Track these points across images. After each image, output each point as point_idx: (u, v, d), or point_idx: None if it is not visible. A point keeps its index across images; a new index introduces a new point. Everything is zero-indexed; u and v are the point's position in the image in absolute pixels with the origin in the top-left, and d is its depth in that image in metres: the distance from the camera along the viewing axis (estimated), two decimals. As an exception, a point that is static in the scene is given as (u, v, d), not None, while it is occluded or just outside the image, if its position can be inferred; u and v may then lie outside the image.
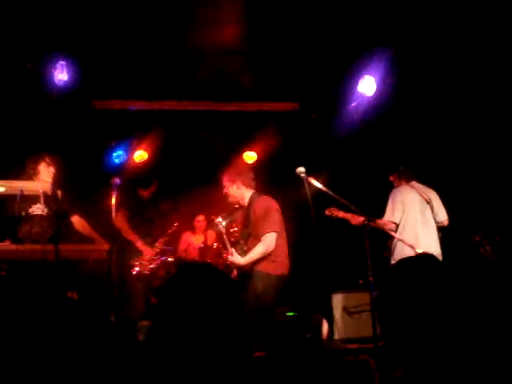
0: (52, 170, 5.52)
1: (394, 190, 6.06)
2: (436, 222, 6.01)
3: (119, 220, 6.42)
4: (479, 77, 6.68)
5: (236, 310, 2.01)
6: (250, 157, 8.69)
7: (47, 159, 5.55)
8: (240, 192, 5.66)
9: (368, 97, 6.92)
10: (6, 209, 5.19)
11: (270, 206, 5.52)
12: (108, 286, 5.35)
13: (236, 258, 5.32)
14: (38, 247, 4.81)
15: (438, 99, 7.06)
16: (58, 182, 5.30)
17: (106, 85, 7.41)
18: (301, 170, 4.99)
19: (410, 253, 5.44)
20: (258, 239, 5.39)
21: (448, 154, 7.27)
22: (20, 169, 5.46)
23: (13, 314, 4.58)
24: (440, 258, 5.70)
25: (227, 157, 8.39)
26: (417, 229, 5.89)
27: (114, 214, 5.15)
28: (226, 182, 5.70)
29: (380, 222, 5.85)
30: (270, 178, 8.35)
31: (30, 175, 5.42)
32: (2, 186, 4.68)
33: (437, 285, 2.01)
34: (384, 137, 7.37)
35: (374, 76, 6.80)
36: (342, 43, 6.51)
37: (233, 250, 5.35)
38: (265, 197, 5.62)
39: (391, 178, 6.26)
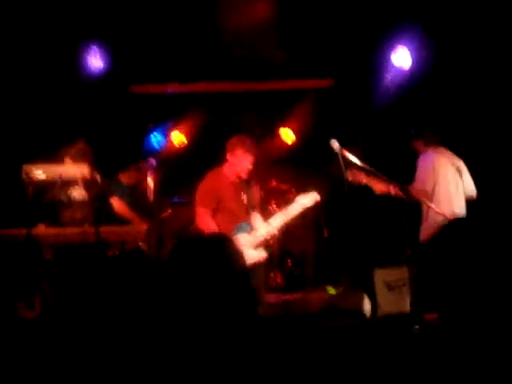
0: (90, 154, 5.60)
1: (423, 157, 5.68)
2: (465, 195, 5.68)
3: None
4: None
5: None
6: (287, 135, 8.65)
7: (85, 145, 5.63)
8: None
9: (403, 69, 6.81)
10: (46, 194, 5.31)
11: None
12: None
13: None
14: (79, 230, 4.94)
15: (473, 71, 6.85)
16: (95, 166, 5.36)
17: (143, 69, 7.47)
18: (334, 142, 4.96)
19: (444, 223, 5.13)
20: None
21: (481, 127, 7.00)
22: (58, 155, 5.56)
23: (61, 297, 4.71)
24: None
25: (263, 136, 8.42)
26: (451, 197, 5.53)
27: (151, 194, 5.25)
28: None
29: (411, 190, 5.49)
30: (306, 155, 8.35)
31: (67, 161, 5.51)
32: (42, 170, 4.77)
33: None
34: (419, 109, 7.23)
35: (408, 47, 6.68)
36: (375, 15, 6.42)
37: None
38: None
39: (416, 145, 5.84)
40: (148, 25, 6.53)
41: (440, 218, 5.29)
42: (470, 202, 5.72)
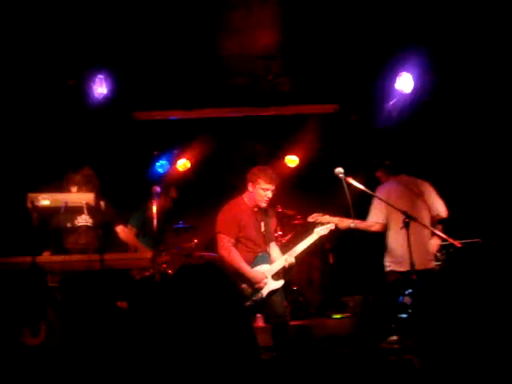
0: (95, 181, 5.60)
1: (378, 188, 5.66)
2: (432, 216, 5.57)
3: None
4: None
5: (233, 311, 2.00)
6: (291, 161, 8.67)
7: (90, 171, 5.64)
8: None
9: (406, 94, 6.84)
10: (51, 221, 5.32)
11: None
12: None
13: None
14: (84, 257, 4.93)
15: (476, 95, 6.87)
16: (100, 192, 5.37)
17: (146, 96, 7.52)
18: (339, 170, 4.97)
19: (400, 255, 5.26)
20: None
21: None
22: (63, 182, 5.56)
23: (66, 324, 4.69)
24: (430, 254, 5.50)
25: (268, 162, 8.44)
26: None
27: (155, 221, 5.24)
28: None
29: (363, 224, 5.54)
30: (311, 180, 8.35)
31: (72, 188, 5.51)
32: (47, 199, 4.78)
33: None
34: (423, 134, 7.25)
35: (411, 73, 6.72)
36: (378, 41, 6.45)
37: None
38: None
39: (378, 174, 5.86)
40: (152, 52, 6.58)
41: (434, 243, 5.49)
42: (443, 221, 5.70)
